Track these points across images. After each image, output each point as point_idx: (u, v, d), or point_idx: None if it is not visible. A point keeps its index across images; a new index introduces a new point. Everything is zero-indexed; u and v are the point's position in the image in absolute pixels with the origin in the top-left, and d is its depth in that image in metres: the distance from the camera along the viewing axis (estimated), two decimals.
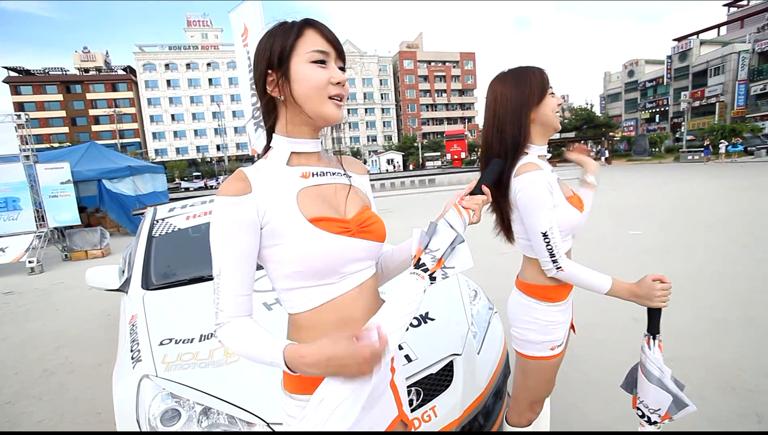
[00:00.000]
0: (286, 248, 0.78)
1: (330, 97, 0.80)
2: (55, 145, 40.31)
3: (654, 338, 1.21)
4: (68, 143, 39.97)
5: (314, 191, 0.84)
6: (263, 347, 0.73)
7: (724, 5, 45.22)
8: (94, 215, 11.74)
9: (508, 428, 1.52)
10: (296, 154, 0.86)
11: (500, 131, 1.24)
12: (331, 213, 0.83)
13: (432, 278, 0.81)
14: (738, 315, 3.19)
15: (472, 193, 0.90)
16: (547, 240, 1.20)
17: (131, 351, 1.64)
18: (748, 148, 24.71)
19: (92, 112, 58.07)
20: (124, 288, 2.30)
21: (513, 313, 1.38)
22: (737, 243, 5.34)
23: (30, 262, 7.46)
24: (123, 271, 2.58)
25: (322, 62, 0.79)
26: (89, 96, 58.15)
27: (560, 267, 1.21)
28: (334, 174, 0.90)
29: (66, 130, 56.58)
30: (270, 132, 0.87)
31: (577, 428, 2.04)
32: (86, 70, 59.98)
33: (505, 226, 1.38)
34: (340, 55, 0.83)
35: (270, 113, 0.85)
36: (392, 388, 0.90)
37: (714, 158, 23.40)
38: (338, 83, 0.80)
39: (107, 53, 62.73)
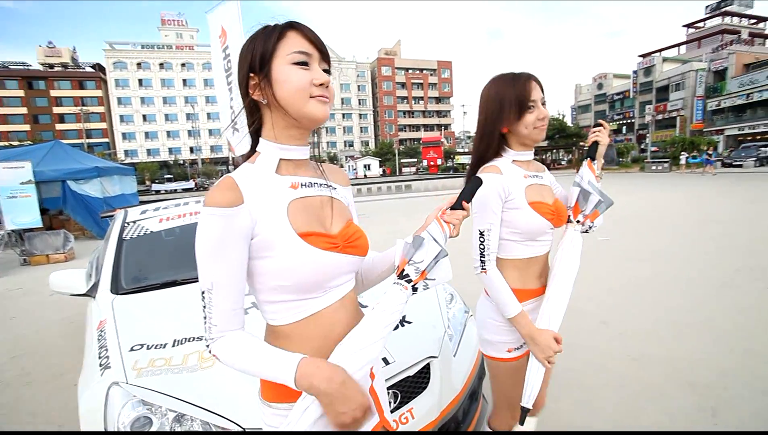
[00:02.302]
0: (275, 262, 0.77)
1: (312, 96, 0.78)
2: (15, 143, 38.23)
3: None
4: (29, 142, 37.94)
5: (302, 203, 0.83)
6: (272, 362, 0.73)
7: (683, 26, 48.16)
8: (57, 218, 11.14)
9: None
10: (285, 161, 0.84)
11: (479, 139, 1.30)
12: (319, 227, 0.82)
13: (414, 289, 0.85)
14: (696, 317, 3.37)
15: (452, 208, 0.91)
16: (481, 238, 1.24)
17: (99, 358, 1.58)
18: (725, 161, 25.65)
19: (57, 110, 55.32)
20: (91, 293, 2.20)
21: (478, 313, 1.42)
22: (697, 249, 5.64)
23: None
24: (90, 276, 2.48)
25: (305, 63, 0.77)
26: (54, 93, 55.41)
27: (485, 268, 1.25)
28: (321, 185, 0.88)
29: (27, 127, 53.65)
30: (255, 135, 0.85)
31: (550, 428, 2.10)
32: (51, 66, 57.27)
33: None
34: (324, 57, 0.81)
35: (252, 115, 0.84)
36: (372, 394, 0.89)
37: (675, 169, 24.65)
38: (321, 84, 0.78)
39: (74, 49, 60.10)
